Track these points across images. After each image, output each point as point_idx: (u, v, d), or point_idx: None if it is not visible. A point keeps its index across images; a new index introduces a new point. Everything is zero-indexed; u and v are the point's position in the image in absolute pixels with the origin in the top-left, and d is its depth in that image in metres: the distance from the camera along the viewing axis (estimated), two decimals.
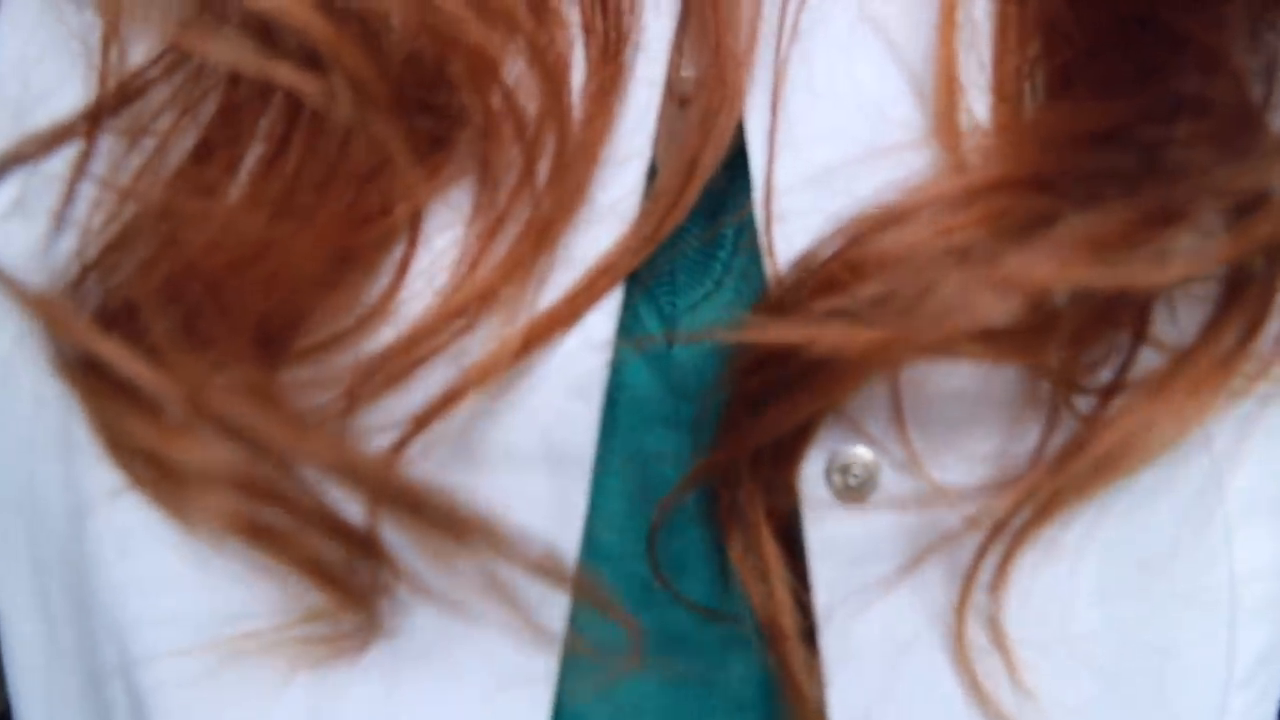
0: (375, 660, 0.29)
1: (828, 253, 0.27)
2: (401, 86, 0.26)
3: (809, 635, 0.30)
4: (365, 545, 0.27)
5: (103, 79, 0.27)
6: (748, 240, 0.30)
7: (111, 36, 0.27)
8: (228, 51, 0.26)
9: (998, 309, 0.25)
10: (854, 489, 0.29)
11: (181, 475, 0.25)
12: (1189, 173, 0.25)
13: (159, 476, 0.26)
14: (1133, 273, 0.25)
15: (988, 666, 0.30)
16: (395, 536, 0.27)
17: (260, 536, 0.26)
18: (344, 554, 0.27)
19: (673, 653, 0.32)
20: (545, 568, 0.27)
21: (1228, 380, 0.28)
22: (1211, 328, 0.28)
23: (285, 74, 0.25)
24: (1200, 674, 0.31)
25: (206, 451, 0.25)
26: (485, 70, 0.26)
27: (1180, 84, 0.26)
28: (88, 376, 0.26)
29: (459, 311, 0.27)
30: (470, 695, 0.30)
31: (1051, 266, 0.25)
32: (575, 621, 0.30)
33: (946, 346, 0.25)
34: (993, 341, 0.25)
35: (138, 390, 0.25)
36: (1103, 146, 0.26)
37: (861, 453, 0.29)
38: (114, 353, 0.25)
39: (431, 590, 0.28)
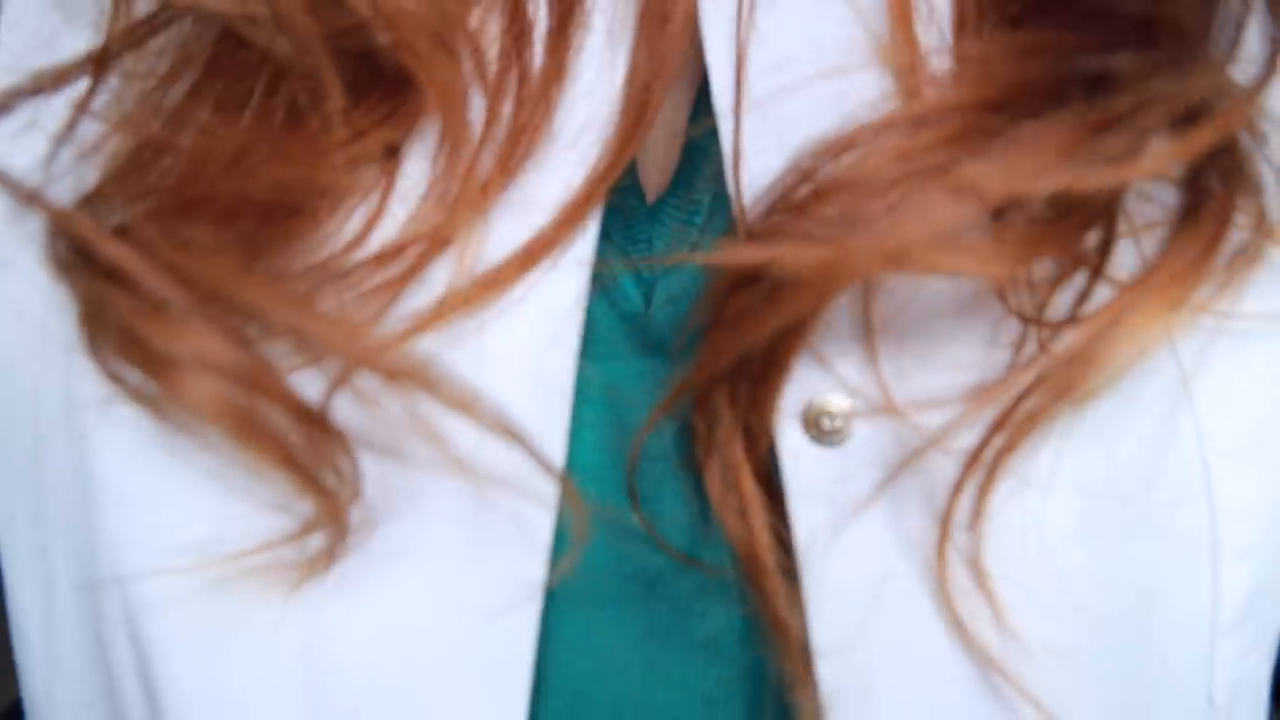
0: (352, 577, 0.30)
1: (792, 179, 0.28)
2: (338, 23, 0.27)
3: (789, 574, 0.30)
4: (323, 426, 0.28)
5: (112, 22, 0.29)
6: (722, 205, 0.31)
7: None
8: None
9: (953, 215, 0.26)
10: (830, 430, 0.30)
11: (169, 363, 0.27)
12: (1128, 88, 0.26)
13: (147, 366, 0.28)
14: (1072, 175, 0.26)
15: (971, 605, 0.30)
16: (362, 424, 0.29)
17: (236, 422, 0.27)
18: (308, 442, 0.28)
19: (651, 600, 0.32)
20: (528, 447, 0.28)
21: (1182, 301, 0.28)
22: (1167, 250, 0.28)
23: (213, 4, 0.27)
24: (1185, 617, 0.31)
25: (194, 339, 0.27)
26: (405, 23, 0.28)
27: (1123, 17, 0.27)
28: (84, 272, 0.28)
29: (422, 240, 0.29)
30: (453, 611, 0.30)
31: (1002, 174, 0.26)
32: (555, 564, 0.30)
33: (906, 256, 0.26)
34: (948, 250, 0.26)
35: (131, 281, 0.27)
36: (1050, 70, 0.27)
37: (838, 397, 0.30)
38: (109, 244, 0.27)
39: (400, 458, 0.29)
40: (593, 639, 0.32)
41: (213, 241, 0.27)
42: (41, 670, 0.34)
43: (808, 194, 0.28)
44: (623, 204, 0.31)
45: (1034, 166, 0.26)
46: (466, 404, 0.28)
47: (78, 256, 0.28)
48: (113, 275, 0.27)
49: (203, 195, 0.27)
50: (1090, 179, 0.26)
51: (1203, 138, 0.27)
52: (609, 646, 0.32)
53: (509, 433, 0.28)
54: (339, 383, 0.28)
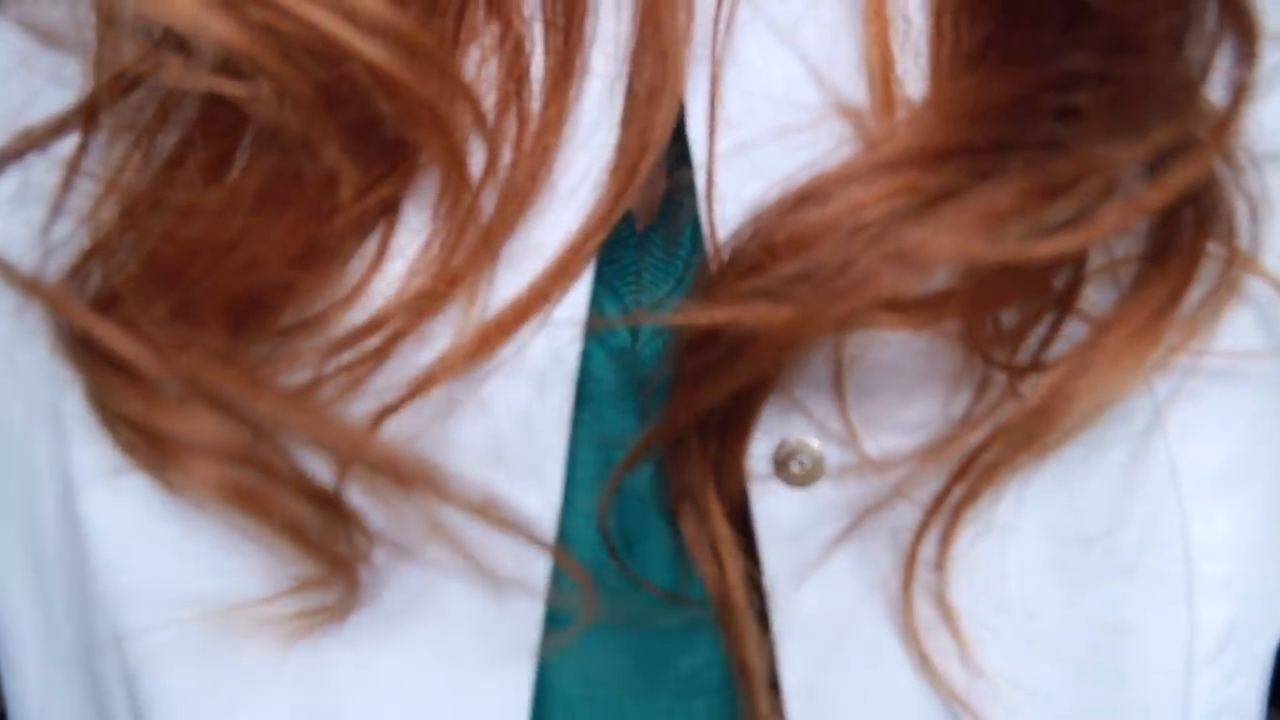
0: (359, 634, 0.31)
1: (749, 235, 0.28)
2: (336, 89, 0.27)
3: (763, 616, 0.31)
4: (336, 507, 0.29)
5: (98, 72, 0.29)
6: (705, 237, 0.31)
7: (106, 34, 0.29)
8: (156, 67, 0.28)
9: (900, 282, 0.26)
10: (799, 474, 0.30)
11: (173, 445, 0.28)
12: (1084, 144, 0.26)
13: (151, 447, 0.28)
14: (1018, 247, 0.25)
15: (938, 643, 0.30)
16: (372, 508, 0.29)
17: (244, 501, 0.28)
18: (320, 518, 0.29)
19: (639, 633, 0.33)
20: (522, 527, 0.29)
21: (1151, 346, 0.28)
22: (1132, 295, 0.28)
23: (209, 81, 0.27)
24: (1159, 651, 0.31)
25: (196, 424, 0.28)
26: (392, 87, 0.28)
27: (1085, 56, 0.26)
28: (86, 356, 0.28)
29: (424, 296, 0.29)
30: (456, 666, 0.31)
31: (945, 241, 0.25)
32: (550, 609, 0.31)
33: (857, 319, 0.26)
34: (900, 311, 0.26)
35: (133, 368, 0.27)
36: (1004, 118, 0.27)
37: (809, 441, 0.30)
38: (112, 335, 0.27)
39: (410, 552, 0.30)
40: (585, 668, 0.33)
41: (221, 346, 0.27)
42: (36, 700, 0.35)
43: (763, 250, 0.28)
44: (613, 234, 0.31)
45: (977, 234, 0.25)
46: (481, 508, 0.28)
47: (76, 338, 0.28)
48: (113, 360, 0.27)
49: (185, 267, 0.28)
50: (1035, 249, 0.26)
51: (1165, 194, 0.26)
52: (600, 676, 0.33)
53: (522, 531, 0.29)
54: (344, 477, 0.29)
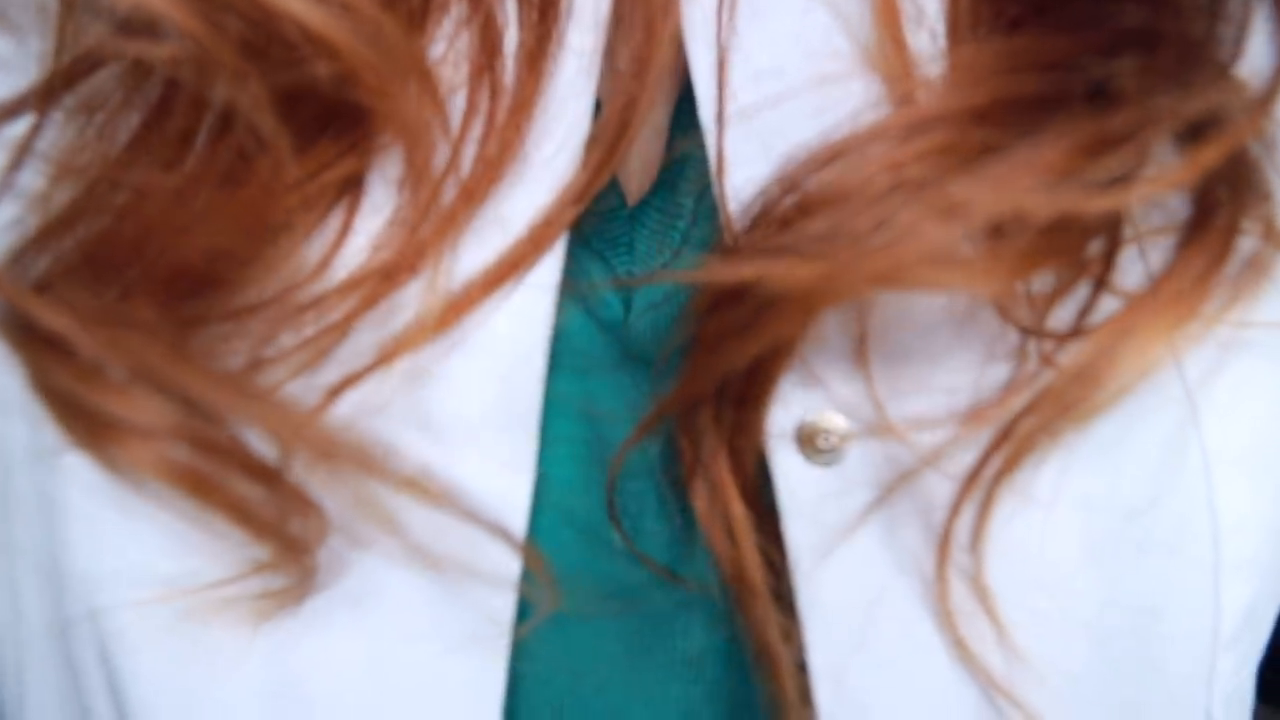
0: (322, 616, 0.29)
1: (777, 191, 0.27)
2: (265, 54, 0.26)
3: (776, 595, 0.29)
4: (283, 489, 0.28)
5: (58, 53, 0.27)
6: (707, 209, 0.30)
7: (68, 15, 0.27)
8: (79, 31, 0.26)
9: (941, 235, 0.25)
10: (823, 445, 0.29)
11: (112, 425, 0.27)
12: (1130, 102, 0.25)
13: (89, 427, 0.27)
14: (1071, 199, 0.25)
15: (973, 626, 0.29)
16: (324, 489, 0.28)
17: (186, 482, 0.27)
18: (268, 500, 0.28)
19: (631, 616, 0.31)
20: (473, 511, 0.28)
21: (1190, 315, 0.27)
22: (1174, 262, 0.27)
23: (128, 46, 0.26)
24: (1188, 633, 0.30)
25: (135, 404, 0.27)
26: (330, 51, 0.26)
27: (1125, 21, 0.26)
28: (23, 335, 0.27)
29: (389, 268, 0.28)
30: (421, 650, 0.30)
31: (994, 194, 0.24)
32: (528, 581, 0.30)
33: (894, 276, 0.25)
34: (941, 268, 0.25)
35: (70, 348, 0.26)
36: (1047, 79, 0.26)
37: (832, 411, 0.29)
38: (48, 315, 0.26)
39: (366, 536, 0.29)
40: (570, 654, 0.32)
41: (151, 317, 0.26)
42: (14, 684, 0.34)
43: (793, 207, 0.26)
44: (601, 207, 0.30)
45: (1028, 188, 0.24)
46: (413, 483, 0.27)
47: (15, 318, 0.27)
48: (52, 340, 0.26)
49: (140, 249, 0.27)
50: (1088, 203, 0.25)
51: (1209, 156, 0.25)
52: (587, 662, 0.32)
53: (462, 510, 0.28)
54: (288, 459, 0.28)
